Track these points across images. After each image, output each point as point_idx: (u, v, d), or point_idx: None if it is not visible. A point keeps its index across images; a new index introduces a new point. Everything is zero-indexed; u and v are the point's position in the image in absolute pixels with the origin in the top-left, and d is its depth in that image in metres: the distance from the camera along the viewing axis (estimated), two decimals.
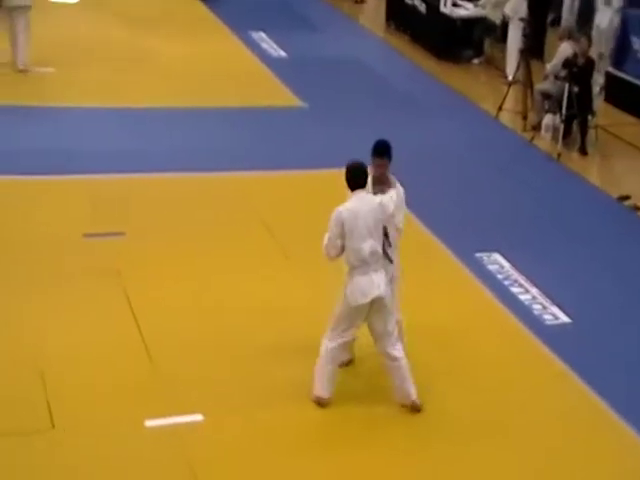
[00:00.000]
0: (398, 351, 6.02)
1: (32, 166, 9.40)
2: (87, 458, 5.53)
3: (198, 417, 5.90)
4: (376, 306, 5.92)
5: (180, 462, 5.53)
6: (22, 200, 8.81)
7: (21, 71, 11.99)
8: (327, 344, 6.00)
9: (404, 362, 6.03)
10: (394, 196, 6.10)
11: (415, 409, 6.06)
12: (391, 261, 6.20)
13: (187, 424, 5.84)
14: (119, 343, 6.61)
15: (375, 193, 6.09)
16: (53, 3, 15.35)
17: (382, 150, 6.24)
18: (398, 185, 6.25)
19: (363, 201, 5.89)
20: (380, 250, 5.93)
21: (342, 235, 5.83)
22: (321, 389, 6.02)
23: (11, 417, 5.81)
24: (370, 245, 5.83)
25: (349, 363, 6.40)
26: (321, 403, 6.01)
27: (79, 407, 5.92)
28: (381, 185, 6.17)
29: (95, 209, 8.64)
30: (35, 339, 6.60)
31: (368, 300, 5.86)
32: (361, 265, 5.84)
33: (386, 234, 6.03)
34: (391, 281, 6.22)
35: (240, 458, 5.64)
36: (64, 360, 6.39)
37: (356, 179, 5.93)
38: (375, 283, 5.86)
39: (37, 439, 5.65)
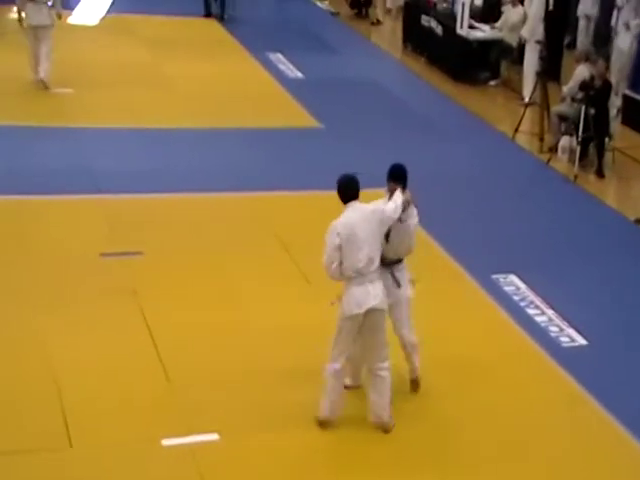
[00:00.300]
0: (386, 369, 5.95)
1: (51, 185, 9.50)
2: (105, 477, 5.54)
3: (214, 436, 5.91)
4: (371, 317, 5.84)
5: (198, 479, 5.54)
6: (40, 219, 8.89)
7: (42, 81, 12.15)
8: (329, 365, 5.93)
9: (389, 379, 5.97)
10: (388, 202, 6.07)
11: (385, 430, 5.97)
12: (399, 285, 6.15)
13: (203, 443, 5.85)
14: (136, 362, 6.65)
15: None
16: (73, 25, 15.54)
17: (398, 175, 6.26)
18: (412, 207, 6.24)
19: (356, 211, 5.89)
20: (377, 259, 5.88)
21: (339, 248, 5.81)
22: (323, 410, 5.96)
23: (29, 434, 5.84)
24: (366, 254, 5.79)
25: (356, 388, 6.32)
26: (322, 424, 5.95)
27: (96, 425, 5.95)
28: None
29: (112, 228, 8.71)
30: (52, 357, 6.64)
31: (363, 310, 5.80)
32: (357, 276, 5.81)
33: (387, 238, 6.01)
34: (401, 302, 6.19)
35: (255, 478, 5.63)
36: (81, 378, 6.42)
37: (347, 190, 5.96)
38: (371, 294, 5.82)
39: (55, 457, 5.68)
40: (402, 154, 11.12)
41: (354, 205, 5.93)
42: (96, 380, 6.41)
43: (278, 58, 14.77)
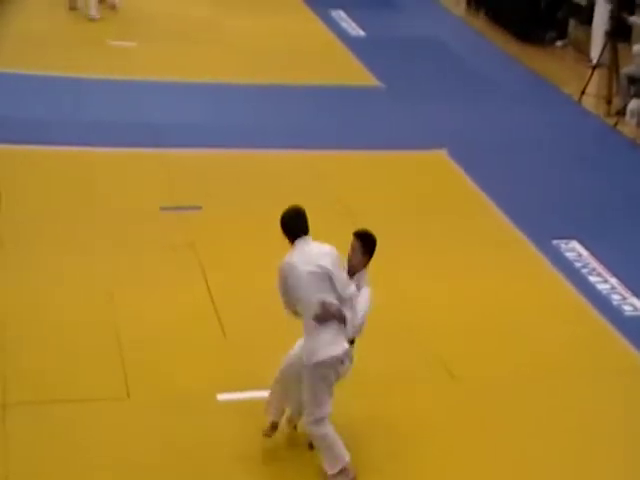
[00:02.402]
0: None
1: (111, 138, 9.57)
2: (160, 428, 5.61)
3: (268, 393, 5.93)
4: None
5: (251, 436, 5.57)
6: (101, 170, 8.97)
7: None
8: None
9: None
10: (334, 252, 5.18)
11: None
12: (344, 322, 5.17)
13: (258, 400, 5.87)
14: (194, 316, 6.69)
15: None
16: None
17: (367, 240, 5.33)
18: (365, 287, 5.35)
19: (303, 253, 5.12)
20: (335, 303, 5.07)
21: (286, 291, 5.16)
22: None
23: (88, 384, 5.94)
24: (317, 299, 5.04)
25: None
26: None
27: (153, 377, 6.02)
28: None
29: (172, 182, 8.75)
30: (112, 309, 6.73)
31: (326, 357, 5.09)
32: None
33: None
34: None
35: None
36: (140, 330, 6.49)
37: (292, 227, 5.18)
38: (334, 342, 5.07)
39: (113, 407, 5.77)
40: (463, 115, 11.07)
41: (300, 244, 5.16)
42: (155, 332, 6.47)
43: (340, 15, 14.58)
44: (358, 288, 5.33)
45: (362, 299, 5.32)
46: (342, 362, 5.20)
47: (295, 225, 5.24)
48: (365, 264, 5.44)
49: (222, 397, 5.90)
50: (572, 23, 14.01)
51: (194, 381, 6.02)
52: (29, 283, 7.00)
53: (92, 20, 13.06)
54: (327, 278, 5.11)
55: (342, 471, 5.25)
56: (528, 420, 5.90)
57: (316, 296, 5.09)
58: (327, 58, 12.69)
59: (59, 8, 13.56)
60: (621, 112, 11.02)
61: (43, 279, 7.06)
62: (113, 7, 13.63)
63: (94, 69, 11.44)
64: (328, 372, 5.16)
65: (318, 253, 5.17)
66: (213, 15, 14.08)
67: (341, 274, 5.21)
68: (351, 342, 5.29)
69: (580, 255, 7.98)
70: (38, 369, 6.03)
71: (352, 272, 5.40)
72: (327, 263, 5.13)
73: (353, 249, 5.42)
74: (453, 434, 5.73)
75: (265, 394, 5.62)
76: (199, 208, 8.24)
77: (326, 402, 5.20)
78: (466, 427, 5.79)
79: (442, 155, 9.78)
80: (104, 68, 11.51)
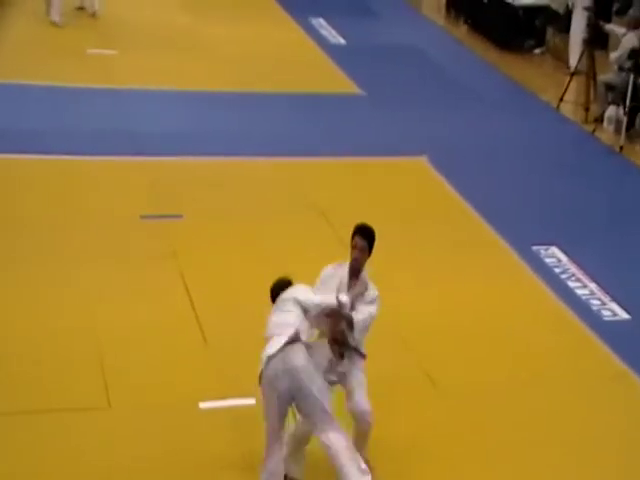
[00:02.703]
0: None
1: (92, 146, 9.54)
2: (142, 437, 5.60)
3: (251, 401, 5.92)
4: None
5: (234, 444, 5.56)
6: (81, 179, 8.94)
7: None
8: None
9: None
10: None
11: None
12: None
13: (240, 407, 5.88)
14: (174, 324, 6.68)
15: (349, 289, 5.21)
16: None
17: (365, 231, 5.28)
18: (371, 287, 5.29)
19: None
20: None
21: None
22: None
23: (68, 393, 5.91)
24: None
25: None
26: None
27: (135, 386, 6.00)
28: (355, 279, 5.25)
29: (153, 191, 8.73)
30: (92, 318, 6.70)
31: None
32: None
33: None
34: None
35: None
36: (120, 339, 6.47)
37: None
38: None
39: (94, 416, 5.74)
40: (444, 122, 11.13)
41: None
42: (136, 341, 6.46)
43: (320, 23, 14.63)
44: (365, 291, 5.17)
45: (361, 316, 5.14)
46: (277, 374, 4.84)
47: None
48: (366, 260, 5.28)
49: (204, 405, 5.89)
50: (550, 31, 14.14)
51: (176, 389, 6.00)
52: (8, 293, 6.96)
53: (56, 26, 12.97)
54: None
55: None
56: (510, 427, 5.93)
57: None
58: (308, 66, 12.73)
59: (36, 16, 13.50)
60: (599, 119, 11.12)
61: (22, 288, 7.02)
62: (93, 15, 13.61)
63: (74, 78, 11.40)
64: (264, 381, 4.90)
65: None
66: (194, 23, 14.08)
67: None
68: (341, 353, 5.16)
69: (559, 261, 8.04)
70: (18, 379, 5.99)
71: (357, 272, 5.24)
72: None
73: (359, 248, 5.24)
74: (437, 442, 5.74)
75: (247, 402, 5.63)
76: (180, 216, 8.23)
77: (269, 416, 4.91)
78: (449, 435, 5.80)
79: (422, 162, 9.83)
80: (84, 77, 11.48)
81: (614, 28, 11.96)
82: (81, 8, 13.58)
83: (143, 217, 8.19)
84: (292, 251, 7.75)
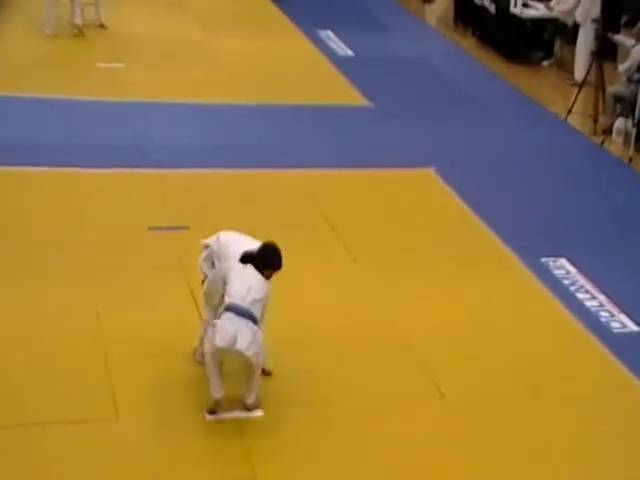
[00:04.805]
0: None
1: (100, 159, 9.56)
2: (150, 448, 5.58)
3: (258, 412, 5.91)
4: None
5: (241, 456, 5.54)
6: (89, 192, 8.95)
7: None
8: None
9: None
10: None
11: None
12: None
13: (247, 419, 5.86)
14: (182, 336, 6.65)
15: None
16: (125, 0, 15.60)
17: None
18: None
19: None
20: None
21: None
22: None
23: (76, 405, 5.90)
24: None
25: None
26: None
27: (142, 398, 5.99)
28: None
29: (160, 203, 8.74)
30: (101, 328, 6.70)
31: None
32: None
33: None
34: None
35: (298, 453, 5.64)
36: (128, 349, 6.47)
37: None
38: None
39: (101, 428, 5.73)
40: (450, 134, 11.12)
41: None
42: (143, 352, 6.45)
43: (328, 35, 14.66)
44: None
45: None
46: None
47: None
48: None
49: (211, 417, 5.87)
50: (558, 43, 14.14)
51: (183, 400, 5.99)
52: (16, 305, 6.96)
53: (46, 36, 13.02)
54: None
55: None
56: (519, 439, 5.89)
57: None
58: (316, 78, 12.75)
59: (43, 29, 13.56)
60: (608, 131, 11.10)
61: (29, 299, 7.03)
62: (102, 26, 13.62)
63: (83, 91, 11.45)
64: None
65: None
66: (203, 36, 14.14)
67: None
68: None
69: (568, 272, 8.00)
70: (24, 391, 5.99)
71: None
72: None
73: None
74: (444, 453, 5.71)
75: (254, 414, 5.60)
76: (187, 228, 8.23)
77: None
78: (455, 447, 5.77)
79: (429, 173, 9.82)
80: (93, 89, 11.53)
81: (623, 40, 11.95)
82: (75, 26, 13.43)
83: (151, 229, 8.20)
84: (299, 262, 7.72)
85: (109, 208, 8.63)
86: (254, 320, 5.71)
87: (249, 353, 5.65)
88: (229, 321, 5.65)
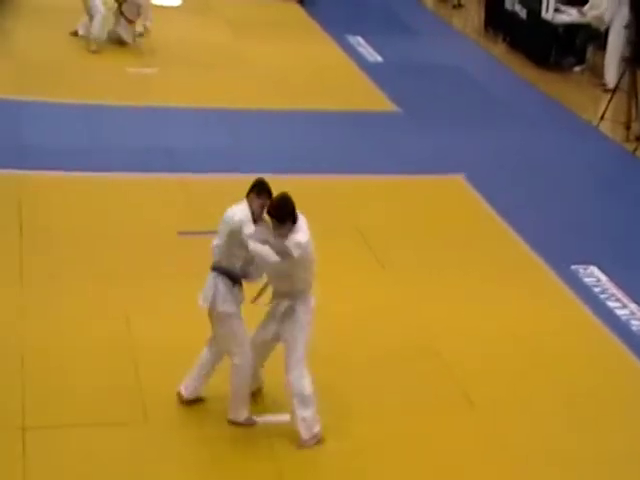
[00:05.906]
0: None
1: (130, 164, 9.64)
2: (177, 452, 5.61)
3: (285, 417, 5.91)
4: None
5: (269, 459, 5.56)
6: (119, 196, 9.02)
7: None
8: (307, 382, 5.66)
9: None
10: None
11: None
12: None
13: (274, 424, 5.86)
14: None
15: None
16: (157, 6, 15.71)
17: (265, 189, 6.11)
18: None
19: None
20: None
21: None
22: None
23: (106, 408, 5.95)
24: None
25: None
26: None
27: (171, 401, 6.02)
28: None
29: (190, 207, 8.79)
30: (129, 332, 6.75)
31: None
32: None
33: None
34: None
35: (324, 459, 5.64)
36: (157, 353, 6.51)
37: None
38: None
39: (130, 431, 5.77)
40: (480, 140, 11.07)
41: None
42: (172, 356, 6.47)
43: (358, 41, 14.67)
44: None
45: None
46: None
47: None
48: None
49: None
50: (590, 49, 14.03)
51: (211, 405, 6.01)
52: (48, 309, 7.03)
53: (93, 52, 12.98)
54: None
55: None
56: (549, 449, 5.85)
57: None
58: (345, 84, 12.76)
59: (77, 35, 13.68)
60: None
61: (61, 305, 7.09)
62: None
63: (114, 96, 11.55)
64: None
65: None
66: (232, 41, 14.21)
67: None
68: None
69: (599, 280, 7.93)
70: (56, 394, 6.05)
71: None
72: None
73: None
74: (472, 462, 5.68)
75: (280, 418, 5.61)
76: (216, 233, 8.25)
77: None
78: (484, 455, 5.74)
79: (460, 180, 9.79)
80: (124, 95, 11.62)
81: None
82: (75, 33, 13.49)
83: (181, 233, 8.24)
84: (328, 269, 7.72)
85: (139, 212, 8.69)
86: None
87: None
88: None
